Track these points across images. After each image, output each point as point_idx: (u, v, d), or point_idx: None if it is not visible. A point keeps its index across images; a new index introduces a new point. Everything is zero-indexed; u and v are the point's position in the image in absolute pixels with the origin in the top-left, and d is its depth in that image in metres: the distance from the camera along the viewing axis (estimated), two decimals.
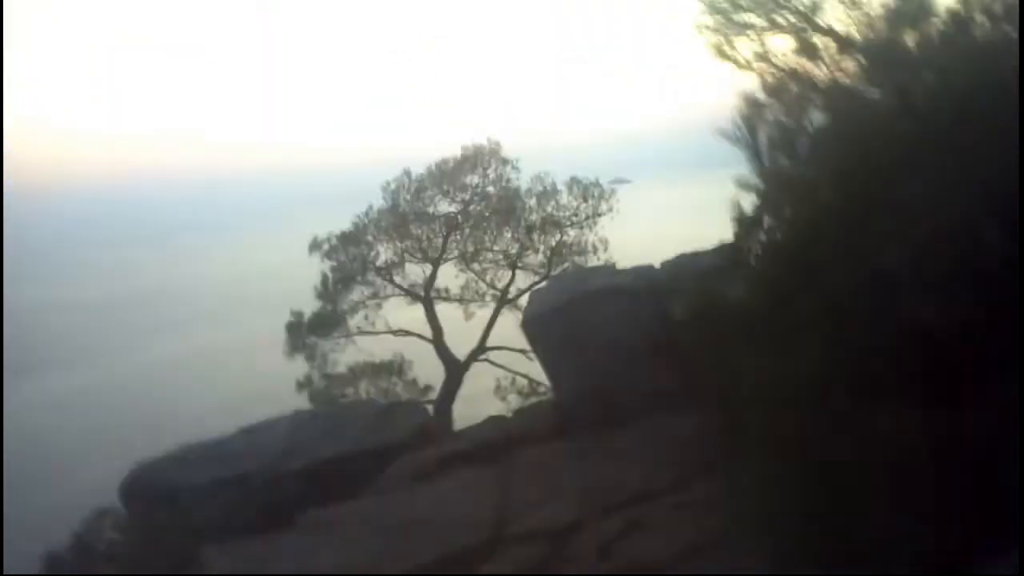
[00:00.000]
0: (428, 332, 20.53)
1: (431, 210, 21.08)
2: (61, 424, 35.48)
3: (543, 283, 19.84)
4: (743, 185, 6.96)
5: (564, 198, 20.75)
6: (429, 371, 20.49)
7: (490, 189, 21.10)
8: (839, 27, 7.80)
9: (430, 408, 19.07)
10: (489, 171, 21.16)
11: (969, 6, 7.86)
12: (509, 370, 19.66)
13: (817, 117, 7.37)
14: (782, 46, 8.06)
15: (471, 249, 20.89)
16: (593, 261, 20.13)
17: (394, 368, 19.96)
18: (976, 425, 5.33)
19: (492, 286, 21.04)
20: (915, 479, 5.39)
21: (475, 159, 21.16)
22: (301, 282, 21.13)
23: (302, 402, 19.53)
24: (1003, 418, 5.24)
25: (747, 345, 6.62)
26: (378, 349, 20.33)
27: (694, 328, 10.23)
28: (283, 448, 14.57)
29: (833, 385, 5.62)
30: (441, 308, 20.94)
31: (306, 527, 11.84)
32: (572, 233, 20.51)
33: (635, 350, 12.67)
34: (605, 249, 20.35)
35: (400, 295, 20.93)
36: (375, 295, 20.74)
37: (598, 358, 12.94)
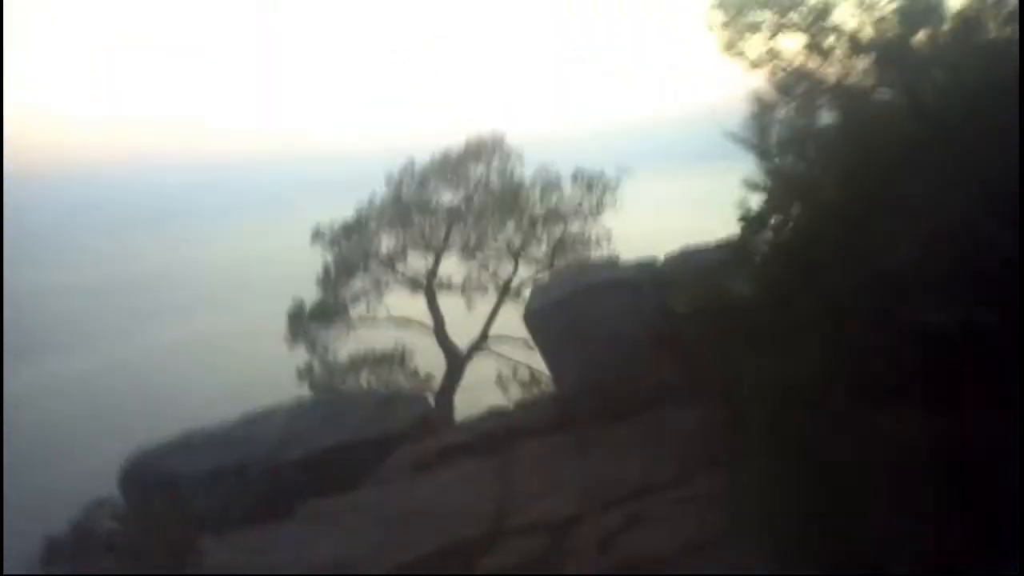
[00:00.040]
0: (430, 322, 20.49)
1: (434, 200, 21.01)
2: (61, 408, 35.49)
3: (546, 275, 19.77)
4: (750, 185, 6.90)
5: (568, 190, 20.67)
6: (430, 361, 20.47)
7: (494, 180, 21.02)
8: (851, 26, 7.72)
9: (431, 398, 19.05)
10: (493, 162, 21.09)
11: (978, 6, 7.79)
12: (510, 359, 19.60)
13: (826, 117, 7.31)
14: (792, 45, 8.00)
15: (474, 240, 20.84)
16: (596, 254, 20.07)
17: (395, 358, 19.93)
18: (977, 426, 5.28)
19: (495, 277, 20.97)
20: (916, 480, 5.35)
21: (479, 150, 21.09)
22: (303, 267, 21.07)
23: (303, 389, 19.53)
24: (1004, 419, 5.20)
25: (750, 342, 6.58)
26: (379, 339, 20.30)
27: (697, 323, 10.18)
28: (283, 437, 14.55)
29: (834, 385, 5.57)
30: (443, 299, 20.89)
31: (305, 517, 11.81)
32: (576, 225, 20.45)
33: (637, 343, 12.63)
34: (608, 242, 20.30)
35: (402, 285, 20.87)
36: (377, 285, 20.69)
37: (600, 351, 12.90)
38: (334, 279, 20.28)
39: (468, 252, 20.81)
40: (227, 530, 11.85)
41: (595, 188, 20.60)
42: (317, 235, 20.75)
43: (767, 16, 7.89)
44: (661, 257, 15.23)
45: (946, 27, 7.89)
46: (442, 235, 20.69)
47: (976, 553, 5.19)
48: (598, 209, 20.40)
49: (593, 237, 20.23)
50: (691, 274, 12.48)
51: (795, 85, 7.57)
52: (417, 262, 20.88)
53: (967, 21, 7.91)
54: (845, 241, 6.13)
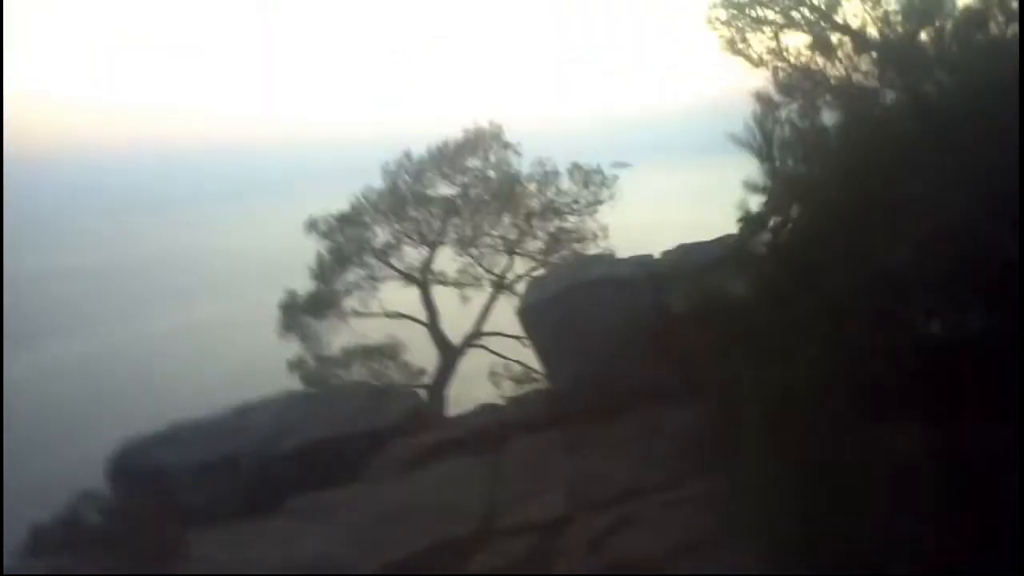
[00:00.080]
0: (423, 315, 20.34)
1: (430, 192, 20.80)
2: (59, 393, 35.34)
3: (541, 270, 19.64)
4: (750, 186, 6.78)
5: (565, 184, 20.50)
6: (423, 355, 20.30)
7: (490, 173, 20.82)
8: (856, 23, 7.59)
9: (423, 392, 18.92)
10: (490, 154, 20.88)
11: (982, 5, 7.68)
12: (504, 356, 19.47)
13: (828, 116, 7.19)
14: (796, 42, 7.87)
15: (469, 233, 20.63)
16: (592, 248, 19.91)
17: (388, 351, 19.72)
18: (977, 433, 5.20)
19: (489, 271, 20.81)
20: (914, 484, 5.26)
21: (476, 142, 20.88)
22: (303, 256, 20.81)
23: (295, 381, 19.37)
24: (1004, 425, 5.11)
25: (747, 344, 6.47)
26: (372, 331, 20.12)
27: (694, 323, 10.08)
28: (274, 430, 14.44)
29: (833, 388, 5.48)
30: (437, 292, 20.72)
31: (294, 512, 11.72)
32: (572, 220, 20.29)
33: (632, 342, 12.53)
34: (605, 236, 20.13)
35: (396, 278, 20.70)
36: (371, 277, 20.50)
37: (594, 348, 12.80)
38: (328, 270, 20.11)
39: (463, 245, 20.61)
40: (214, 524, 11.75)
41: (592, 183, 20.44)
42: (312, 225, 20.55)
43: (771, 14, 7.75)
44: (657, 254, 15.12)
45: (949, 26, 7.78)
46: (437, 228, 20.52)
47: (975, 555, 5.10)
48: (594, 204, 20.24)
49: (589, 232, 20.08)
50: (688, 272, 12.38)
51: (798, 84, 7.43)
52: (412, 255, 20.72)
53: (970, 20, 7.81)
54: (845, 242, 6.03)
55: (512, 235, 20.50)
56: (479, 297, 20.87)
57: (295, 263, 21.04)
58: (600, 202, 20.39)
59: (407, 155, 20.84)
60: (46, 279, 68.63)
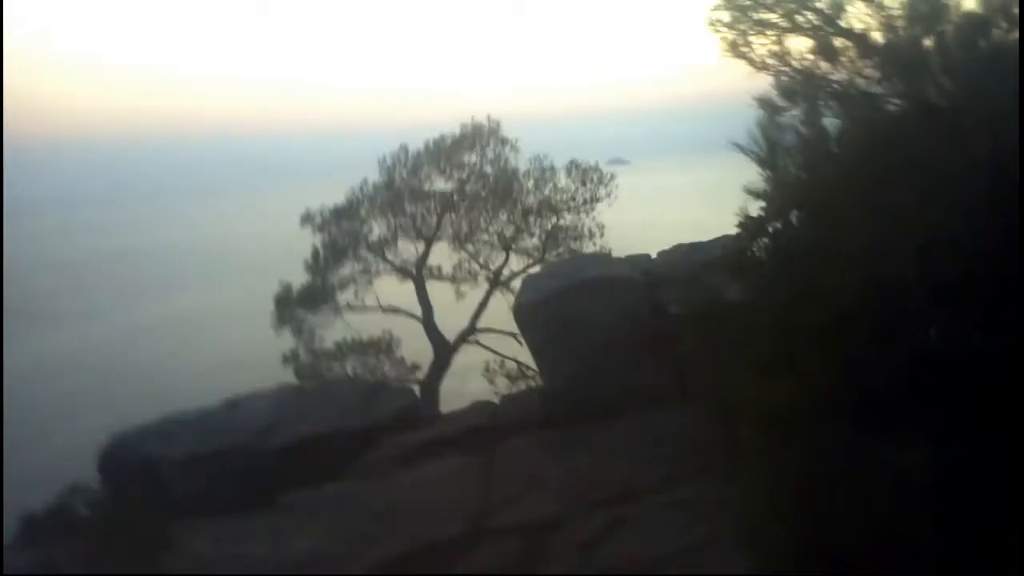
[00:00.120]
0: (418, 310, 20.25)
1: (427, 187, 20.70)
2: (52, 383, 35.23)
3: (537, 267, 19.55)
4: (751, 192, 6.72)
5: (562, 181, 20.38)
6: (417, 350, 20.23)
7: (487, 169, 20.73)
8: (860, 28, 7.52)
9: (416, 388, 18.85)
10: (488, 150, 20.78)
11: (987, 9, 7.61)
12: (498, 353, 19.40)
13: (832, 122, 7.11)
14: (798, 47, 7.79)
15: (466, 229, 20.51)
16: (589, 247, 19.79)
17: (382, 346, 19.63)
18: (978, 446, 5.15)
19: (485, 267, 20.71)
20: (913, 497, 5.22)
21: (474, 137, 20.77)
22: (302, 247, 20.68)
23: (290, 372, 19.29)
24: (1006, 439, 5.06)
25: (745, 350, 6.41)
26: (367, 326, 20.04)
27: (690, 325, 10.03)
28: (265, 424, 14.35)
29: (833, 399, 5.43)
30: (432, 287, 20.63)
31: (285, 508, 11.67)
32: (569, 217, 20.18)
33: (628, 342, 12.49)
34: (601, 235, 20.01)
35: (391, 272, 20.60)
36: (366, 271, 20.40)
37: (589, 348, 12.74)
38: (322, 263, 20.01)
39: (459, 241, 20.50)
40: (205, 518, 11.69)
41: (589, 180, 20.34)
42: (307, 218, 20.46)
43: (774, 17, 7.67)
44: (654, 253, 15.07)
45: (951, 31, 7.72)
46: (433, 223, 20.41)
47: (975, 570, 5.06)
48: (592, 202, 20.14)
49: (586, 230, 19.97)
50: (685, 273, 12.32)
51: (801, 89, 7.36)
52: (407, 249, 20.62)
53: (973, 25, 7.75)
54: (846, 250, 5.96)
55: (508, 232, 20.38)
56: (474, 293, 20.80)
57: (299, 250, 20.84)
58: (597, 200, 20.27)
59: (404, 149, 20.74)
60: (41, 269, 68.62)
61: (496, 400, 16.23)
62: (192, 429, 14.33)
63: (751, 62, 7.91)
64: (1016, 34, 7.40)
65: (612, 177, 20.66)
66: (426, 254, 20.58)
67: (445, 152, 20.66)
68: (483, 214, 20.42)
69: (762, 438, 5.21)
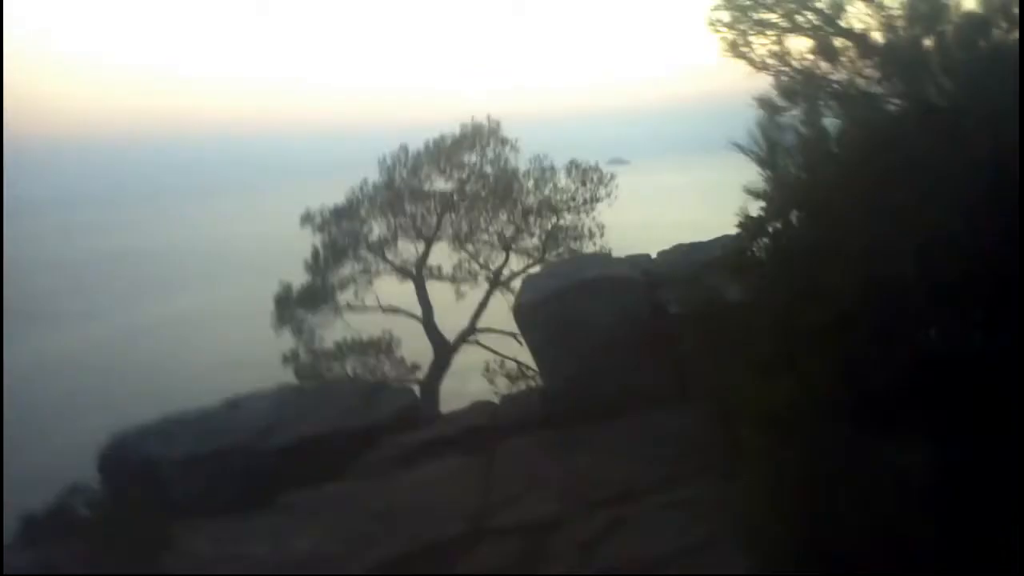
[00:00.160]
0: (418, 310, 20.24)
1: (427, 187, 20.69)
2: (52, 382, 35.23)
3: (537, 268, 19.54)
4: (751, 192, 6.71)
5: (562, 181, 20.37)
6: (417, 349, 20.23)
7: (488, 169, 20.71)
8: (860, 27, 7.51)
9: (416, 388, 18.84)
10: (488, 150, 20.77)
11: (987, 9, 7.61)
12: (498, 353, 19.39)
13: (832, 122, 7.11)
14: (799, 47, 7.78)
15: (465, 229, 20.49)
16: (589, 247, 19.78)
17: (382, 346, 19.62)
18: (978, 447, 5.15)
19: (485, 267, 20.70)
20: (913, 498, 5.22)
21: (474, 137, 20.75)
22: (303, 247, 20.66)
23: (290, 372, 19.28)
24: (1006, 440, 5.06)
25: (745, 350, 6.41)
26: (367, 326, 20.03)
27: (690, 326, 10.02)
28: (265, 424, 14.35)
29: (834, 397, 5.43)
30: (432, 287, 20.62)
31: (285, 508, 11.66)
32: (569, 217, 20.16)
33: (628, 342, 12.48)
34: (601, 235, 19.99)
35: (391, 272, 20.59)
36: (366, 271, 20.39)
37: (589, 348, 12.74)
38: (322, 263, 20.00)
39: (459, 241, 20.49)
40: (205, 518, 11.69)
41: (589, 180, 20.33)
42: (307, 218, 20.45)
43: (774, 17, 7.66)
44: (654, 253, 15.07)
45: (951, 31, 7.72)
46: (433, 223, 20.40)
47: (974, 570, 5.06)
48: (592, 202, 20.13)
49: (586, 230, 19.95)
50: (685, 273, 12.32)
51: (801, 90, 7.35)
52: (407, 249, 20.61)
53: (972, 25, 7.75)
54: (846, 250, 5.96)
55: (508, 232, 20.36)
56: (474, 293, 20.79)
57: (302, 250, 20.83)
58: (597, 200, 20.26)
59: (404, 149, 20.73)
60: (41, 269, 68.64)
61: (496, 400, 16.23)
62: (192, 429, 14.32)
63: (751, 62, 7.90)
64: (1016, 34, 7.41)
65: (612, 177, 20.65)
66: (426, 254, 20.57)
67: (445, 152, 20.64)
68: (483, 214, 20.41)
69: (762, 438, 5.21)
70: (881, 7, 7.41)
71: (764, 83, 8.09)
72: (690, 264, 12.63)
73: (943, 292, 5.68)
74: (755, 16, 7.83)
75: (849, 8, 7.58)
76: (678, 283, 12.15)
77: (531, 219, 20.09)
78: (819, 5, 7.63)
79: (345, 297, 20.05)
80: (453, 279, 20.78)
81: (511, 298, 17.77)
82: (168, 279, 64.17)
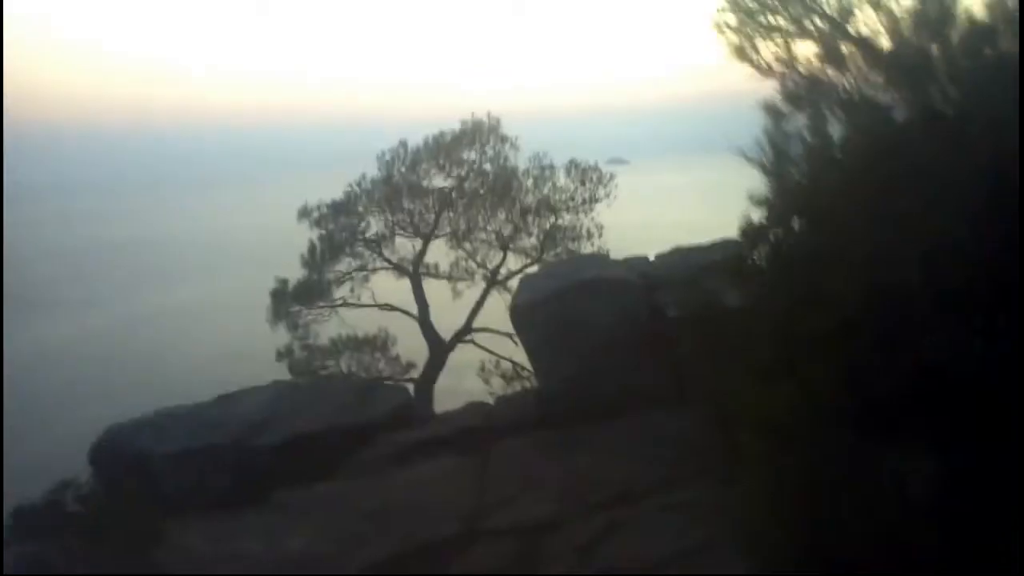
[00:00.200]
0: (414, 308, 20.13)
1: (425, 184, 20.56)
2: (48, 373, 35.09)
3: (534, 267, 19.44)
4: (755, 200, 6.67)
5: (561, 180, 20.26)
6: (412, 347, 20.12)
7: (487, 166, 20.60)
8: (868, 33, 7.46)
9: (411, 386, 18.75)
10: (487, 148, 20.65)
11: (992, 18, 7.57)
12: (494, 353, 19.30)
13: (838, 129, 7.06)
14: (805, 52, 7.72)
15: (463, 227, 20.37)
16: (587, 247, 19.68)
17: (377, 343, 19.48)
18: (979, 454, 5.11)
19: (482, 266, 20.58)
20: (914, 505, 5.18)
21: (473, 134, 20.62)
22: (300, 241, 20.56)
23: (285, 368, 19.18)
24: (1006, 447, 5.02)
25: (745, 355, 6.37)
26: (362, 322, 19.92)
27: (688, 329, 9.98)
28: (259, 421, 14.26)
29: (837, 404, 5.39)
30: (429, 285, 20.51)
31: (278, 506, 11.60)
32: (567, 217, 20.06)
33: (625, 344, 12.43)
34: (600, 235, 19.90)
35: (388, 269, 20.48)
36: (363, 267, 20.28)
37: (586, 350, 12.68)
38: (319, 259, 19.88)
39: (457, 239, 20.38)
40: (197, 514, 11.62)
41: (589, 180, 20.23)
42: (305, 213, 20.31)
43: (781, 21, 7.60)
44: (652, 255, 15.02)
45: (956, 38, 7.68)
46: (431, 220, 20.29)
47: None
48: (591, 202, 20.03)
49: (584, 230, 19.85)
50: (683, 275, 12.28)
51: (807, 95, 7.29)
52: (404, 246, 20.49)
53: (978, 33, 7.71)
54: (849, 257, 5.92)
55: (507, 230, 20.24)
56: (471, 292, 20.68)
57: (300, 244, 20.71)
58: (596, 200, 20.15)
59: (403, 144, 20.60)
60: (41, 257, 68.44)
61: (491, 400, 16.16)
62: (185, 423, 14.24)
63: (757, 66, 7.84)
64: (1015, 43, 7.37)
65: (611, 177, 20.55)
66: (423, 251, 20.47)
67: (444, 148, 20.51)
68: (481, 212, 20.29)
69: (762, 443, 5.17)
70: (889, 12, 7.36)
71: (766, 83, 8.05)
72: (688, 267, 12.60)
73: (948, 299, 5.65)
74: (762, 20, 7.77)
75: (857, 12, 7.53)
76: (676, 286, 12.11)
77: (529, 218, 19.98)
78: (827, 10, 7.57)
79: (341, 293, 19.93)
80: (450, 277, 20.66)
81: (508, 297, 17.70)
82: (168, 269, 64.01)
